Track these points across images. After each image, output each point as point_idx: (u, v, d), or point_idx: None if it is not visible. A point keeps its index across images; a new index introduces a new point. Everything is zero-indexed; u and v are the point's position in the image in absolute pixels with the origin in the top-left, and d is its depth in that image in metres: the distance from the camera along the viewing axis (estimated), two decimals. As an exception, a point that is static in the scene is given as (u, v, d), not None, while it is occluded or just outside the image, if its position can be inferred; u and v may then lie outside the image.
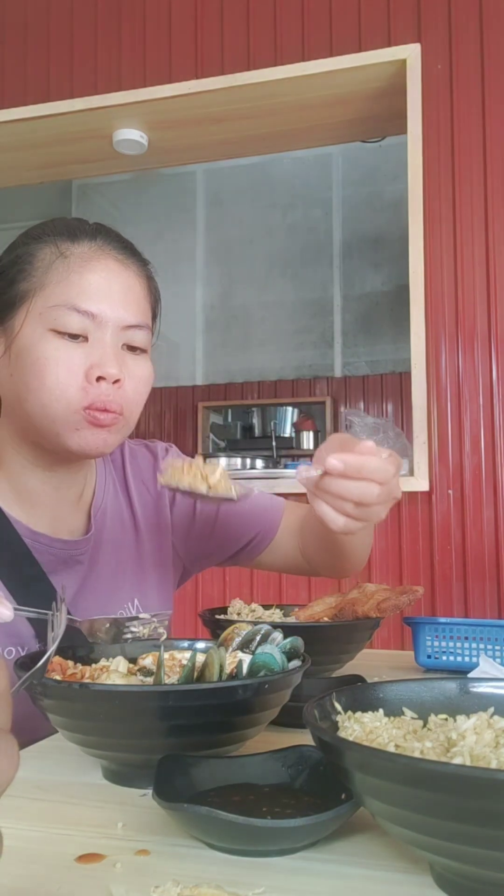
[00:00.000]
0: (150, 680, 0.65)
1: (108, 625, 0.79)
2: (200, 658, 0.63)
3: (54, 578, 0.88)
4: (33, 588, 0.86)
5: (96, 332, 0.83)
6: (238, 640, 0.70)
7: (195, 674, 0.61)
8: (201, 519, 1.05)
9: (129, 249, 0.90)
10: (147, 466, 1.05)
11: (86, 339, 0.83)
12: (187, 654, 0.68)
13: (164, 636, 0.82)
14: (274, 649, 0.64)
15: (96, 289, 0.83)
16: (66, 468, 0.91)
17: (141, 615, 0.82)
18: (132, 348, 0.86)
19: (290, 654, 0.66)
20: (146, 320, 0.88)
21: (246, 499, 0.80)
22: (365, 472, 0.72)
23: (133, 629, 0.81)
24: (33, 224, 0.91)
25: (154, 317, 0.93)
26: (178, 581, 1.10)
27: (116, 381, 0.82)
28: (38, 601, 0.82)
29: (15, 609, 0.55)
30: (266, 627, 0.71)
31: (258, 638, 0.70)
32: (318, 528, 0.96)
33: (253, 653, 0.66)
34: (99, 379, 0.81)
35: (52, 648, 0.62)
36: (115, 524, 0.99)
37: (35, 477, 0.90)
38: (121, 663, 0.68)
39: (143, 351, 0.88)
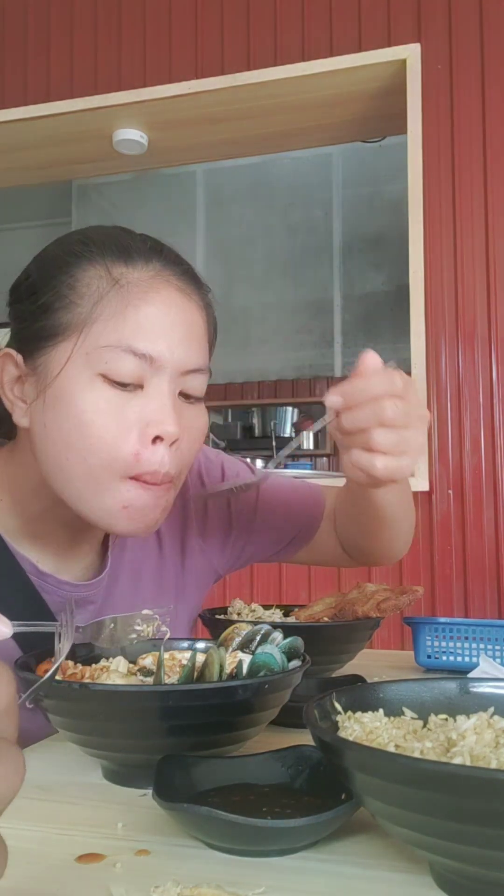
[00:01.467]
0: (150, 680, 0.65)
1: (112, 625, 0.77)
2: (200, 658, 0.63)
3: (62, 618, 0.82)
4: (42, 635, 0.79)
5: (153, 380, 0.69)
6: (238, 640, 0.70)
7: (195, 674, 0.61)
8: (238, 524, 0.98)
9: (189, 274, 0.75)
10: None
11: (140, 387, 0.69)
12: (187, 655, 0.67)
13: (168, 635, 0.78)
14: (274, 649, 0.64)
15: (155, 326, 0.69)
16: (88, 527, 0.80)
17: (144, 612, 0.74)
18: (188, 397, 0.73)
19: (290, 654, 0.66)
20: (206, 362, 0.74)
21: (266, 480, 0.76)
22: (368, 391, 0.65)
23: (137, 627, 0.78)
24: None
25: (212, 350, 0.79)
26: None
27: (175, 442, 0.69)
28: (42, 641, 0.72)
29: (14, 625, 0.54)
30: (266, 627, 0.71)
31: (258, 638, 0.70)
32: (354, 504, 0.86)
33: (253, 653, 0.66)
34: (156, 440, 0.68)
35: (59, 660, 0.61)
36: (136, 553, 0.90)
37: (56, 526, 0.79)
38: (121, 663, 0.68)
39: (199, 400, 0.74)
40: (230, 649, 0.68)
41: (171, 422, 0.68)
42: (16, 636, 0.74)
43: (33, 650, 0.64)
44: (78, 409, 0.68)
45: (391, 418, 0.64)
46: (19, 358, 0.72)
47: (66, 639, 0.60)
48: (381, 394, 0.65)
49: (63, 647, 0.61)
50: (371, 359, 0.67)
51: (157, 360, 0.68)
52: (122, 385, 0.68)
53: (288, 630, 0.98)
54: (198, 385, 0.73)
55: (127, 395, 0.68)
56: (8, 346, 0.74)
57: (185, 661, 0.66)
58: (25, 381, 0.72)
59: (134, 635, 0.74)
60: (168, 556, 0.95)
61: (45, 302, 0.70)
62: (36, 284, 0.72)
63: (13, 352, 0.73)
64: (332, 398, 0.66)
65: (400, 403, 0.65)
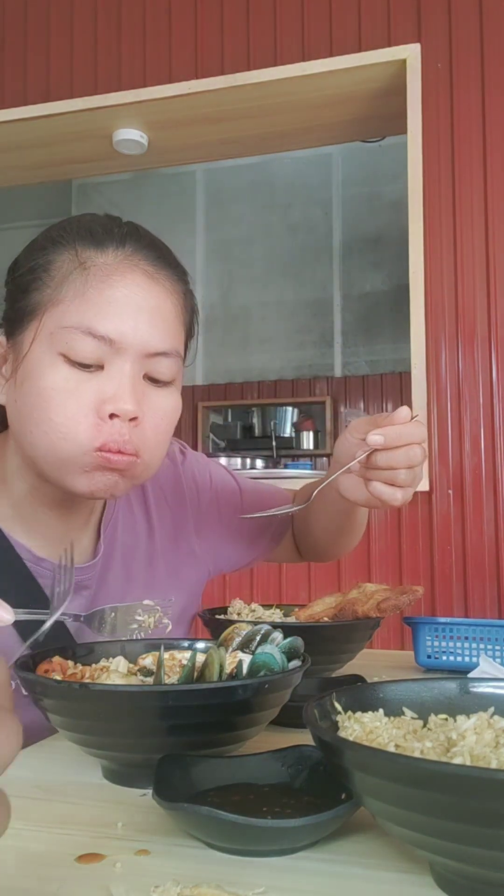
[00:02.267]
0: (150, 680, 0.65)
1: (113, 614, 0.76)
2: (200, 658, 0.63)
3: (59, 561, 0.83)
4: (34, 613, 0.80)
5: (114, 360, 0.71)
6: (238, 640, 0.70)
7: (195, 674, 0.61)
8: (229, 526, 1.03)
9: (163, 259, 0.77)
10: (165, 472, 0.97)
11: (101, 367, 0.72)
12: (188, 654, 0.67)
13: (169, 627, 0.81)
14: (274, 649, 0.64)
15: (117, 308, 0.71)
16: (70, 508, 0.83)
17: (145, 602, 0.77)
18: (155, 380, 0.75)
19: (290, 654, 0.66)
20: (175, 346, 0.76)
21: (301, 510, 0.86)
22: (405, 437, 0.76)
23: (138, 617, 0.78)
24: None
25: (189, 336, 0.82)
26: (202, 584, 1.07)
27: (133, 419, 0.71)
28: (39, 626, 0.75)
29: (16, 612, 0.55)
30: (266, 627, 0.71)
31: (258, 638, 0.70)
32: (339, 511, 0.94)
33: (253, 653, 0.66)
34: (113, 416, 0.70)
35: (61, 607, 0.61)
36: (128, 538, 0.92)
37: (42, 507, 0.81)
38: (121, 663, 0.68)
39: (168, 384, 0.76)
40: (230, 649, 0.68)
41: (128, 399, 0.70)
42: (16, 623, 0.75)
43: (32, 635, 0.65)
44: (40, 387, 0.71)
45: (417, 462, 0.76)
46: (2, 339, 0.77)
47: (66, 581, 0.61)
48: (413, 441, 0.76)
49: (63, 590, 0.61)
50: (405, 411, 0.79)
51: (116, 342, 0.71)
52: (83, 365, 0.71)
53: (288, 630, 0.98)
54: (165, 369, 0.75)
55: (87, 375, 0.71)
56: None
57: (185, 661, 0.66)
58: (7, 359, 0.76)
59: (135, 625, 0.76)
60: (159, 549, 0.96)
61: (22, 284, 0.74)
62: (19, 267, 0.76)
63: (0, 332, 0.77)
64: (376, 438, 0.75)
65: (422, 450, 0.77)
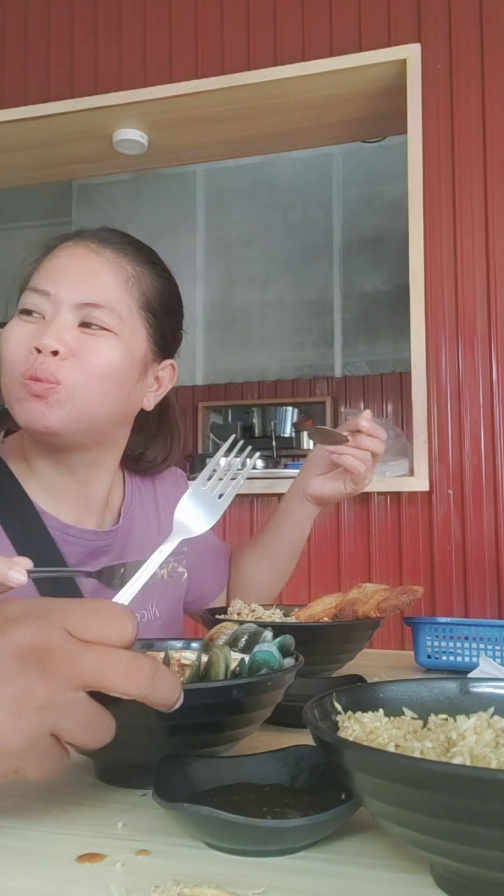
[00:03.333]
0: None
1: (122, 570, 0.78)
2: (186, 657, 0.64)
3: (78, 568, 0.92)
4: (56, 581, 0.88)
5: (52, 311, 0.86)
6: (224, 638, 0.70)
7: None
8: (203, 549, 1.14)
9: (112, 243, 0.91)
10: (173, 487, 1.12)
11: (43, 317, 0.86)
12: (185, 654, 0.67)
13: (185, 575, 0.95)
14: (272, 647, 0.64)
15: (55, 271, 0.87)
16: (60, 458, 0.91)
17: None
18: (89, 325, 0.86)
19: (283, 653, 0.66)
20: (108, 301, 0.87)
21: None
22: (377, 431, 1.02)
23: (168, 566, 0.93)
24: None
25: (150, 314, 0.92)
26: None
27: (56, 353, 0.83)
28: (59, 593, 0.84)
29: (30, 572, 0.62)
30: (254, 627, 0.71)
31: (246, 637, 0.70)
32: (285, 545, 1.15)
33: (242, 651, 0.66)
34: (39, 351, 0.83)
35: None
36: (142, 526, 1.03)
37: (51, 468, 0.92)
38: None
39: (106, 330, 0.86)
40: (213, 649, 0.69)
41: (49, 336, 0.83)
42: (36, 583, 0.80)
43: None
44: (2, 340, 0.87)
45: (381, 451, 1.04)
46: None
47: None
48: (381, 435, 1.03)
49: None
50: (369, 412, 1.04)
51: (52, 295, 0.86)
52: (28, 313, 0.86)
53: (288, 630, 0.98)
54: (98, 316, 0.86)
55: (29, 322, 0.86)
56: None
57: (184, 661, 0.66)
58: None
59: (164, 571, 0.90)
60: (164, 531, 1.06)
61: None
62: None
63: None
64: (365, 423, 1.02)
65: (384, 444, 1.05)
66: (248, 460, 0.86)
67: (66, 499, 0.93)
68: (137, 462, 1.07)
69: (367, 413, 1.02)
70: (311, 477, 1.09)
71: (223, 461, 0.81)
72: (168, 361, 0.98)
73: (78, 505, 0.94)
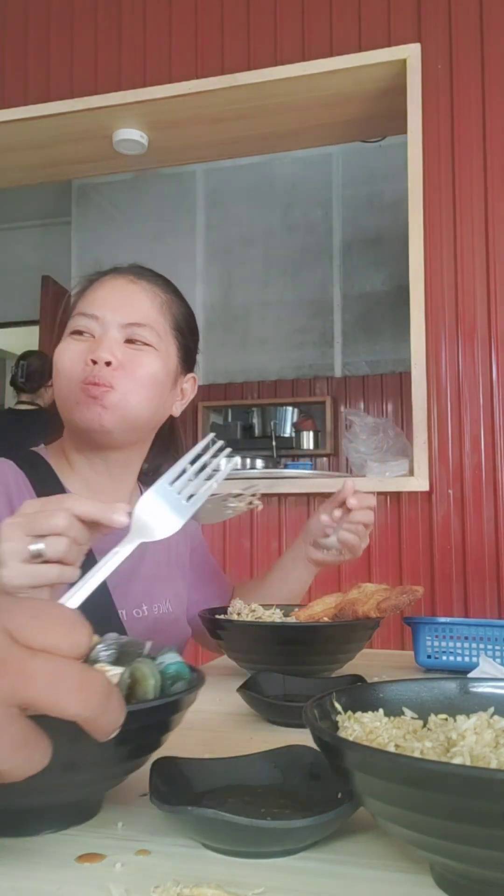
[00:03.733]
0: None
1: (209, 505, 0.92)
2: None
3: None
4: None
5: (100, 331, 1.00)
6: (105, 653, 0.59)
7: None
8: (198, 569, 1.26)
9: (146, 274, 1.07)
10: None
11: (92, 336, 1.00)
12: (106, 669, 0.55)
13: (260, 506, 1.01)
14: (176, 656, 0.57)
15: (101, 298, 1.02)
16: (103, 455, 1.05)
17: (234, 491, 1.00)
18: (133, 341, 1.01)
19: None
20: (149, 321, 1.03)
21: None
22: (366, 502, 1.10)
23: (230, 504, 0.98)
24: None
25: (180, 333, 1.08)
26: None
27: (109, 364, 0.97)
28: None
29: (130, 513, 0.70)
30: (124, 639, 0.59)
31: (113, 650, 0.58)
32: (286, 596, 1.20)
33: (114, 664, 0.55)
34: (94, 362, 0.97)
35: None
36: None
37: (89, 466, 1.05)
38: None
39: (148, 346, 1.02)
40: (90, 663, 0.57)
41: (103, 349, 0.98)
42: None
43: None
44: (54, 357, 1.02)
45: (371, 521, 1.12)
46: None
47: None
48: (370, 505, 1.11)
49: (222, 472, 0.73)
50: (352, 482, 1.10)
51: (100, 318, 1.01)
52: (80, 333, 1.01)
53: (288, 630, 0.98)
54: (140, 333, 1.01)
55: (81, 341, 1.01)
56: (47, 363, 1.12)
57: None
58: None
59: (230, 511, 0.96)
60: (173, 554, 1.20)
61: (64, 313, 1.08)
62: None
63: None
64: (353, 502, 1.09)
65: (373, 513, 1.12)
66: (224, 462, 0.79)
67: (100, 493, 1.05)
68: (153, 474, 1.18)
69: (350, 486, 1.08)
70: (310, 543, 1.17)
71: (191, 461, 0.76)
72: (190, 374, 1.14)
73: (114, 499, 1.03)
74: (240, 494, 0.95)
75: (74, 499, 0.71)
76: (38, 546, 0.69)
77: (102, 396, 0.96)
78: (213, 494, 0.82)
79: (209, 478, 0.73)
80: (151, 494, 0.70)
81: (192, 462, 0.73)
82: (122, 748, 0.49)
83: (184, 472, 0.72)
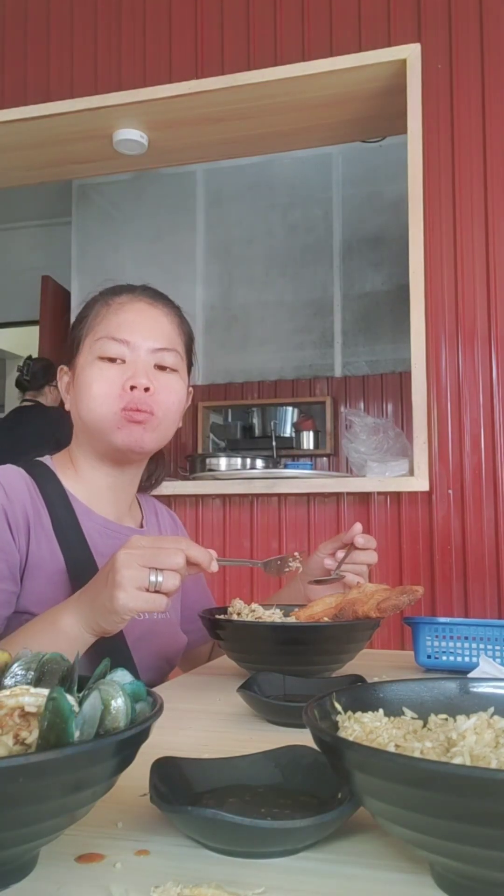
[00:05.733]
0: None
1: (279, 561, 1.07)
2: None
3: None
4: (83, 570, 1.01)
5: (131, 356, 1.06)
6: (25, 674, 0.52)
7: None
8: (189, 591, 1.28)
9: (160, 297, 1.13)
10: (168, 521, 1.30)
11: (123, 361, 1.06)
12: (21, 696, 0.45)
13: (301, 569, 1.09)
14: (125, 675, 0.51)
15: (129, 322, 1.07)
16: (121, 469, 1.12)
17: (294, 553, 1.09)
18: (162, 367, 1.08)
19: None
20: (174, 345, 1.10)
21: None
22: (371, 543, 1.12)
23: (291, 563, 1.07)
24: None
25: (188, 352, 1.15)
26: None
27: (147, 389, 1.04)
28: (83, 582, 0.93)
29: (219, 560, 0.87)
30: (41, 655, 0.53)
31: (33, 669, 0.51)
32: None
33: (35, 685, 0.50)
34: (132, 388, 1.03)
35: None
36: (158, 531, 1.23)
37: (102, 477, 1.11)
38: None
39: (174, 370, 1.09)
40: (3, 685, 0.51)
41: (142, 376, 1.04)
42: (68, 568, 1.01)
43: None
44: (84, 378, 1.06)
45: (374, 561, 1.13)
46: (66, 367, 1.13)
47: None
48: (373, 546, 1.13)
49: None
50: (359, 525, 1.13)
51: (131, 343, 1.06)
52: (111, 360, 1.06)
53: (288, 630, 0.98)
54: (168, 359, 1.08)
55: (114, 366, 1.05)
56: (63, 363, 1.15)
57: (29, 709, 0.45)
58: (71, 380, 1.11)
59: (288, 568, 1.07)
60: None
61: (75, 329, 1.13)
62: (74, 323, 1.14)
63: (65, 367, 1.14)
64: (362, 541, 1.11)
65: (376, 553, 1.13)
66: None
67: (108, 501, 1.12)
68: (147, 480, 1.26)
69: (358, 527, 1.12)
70: (310, 581, 1.17)
71: None
72: (189, 387, 1.19)
73: (118, 507, 1.14)
74: (296, 557, 1.08)
75: (187, 542, 0.84)
76: (159, 578, 0.81)
77: (146, 421, 1.04)
78: (275, 558, 1.08)
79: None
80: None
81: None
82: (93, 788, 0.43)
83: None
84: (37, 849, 0.45)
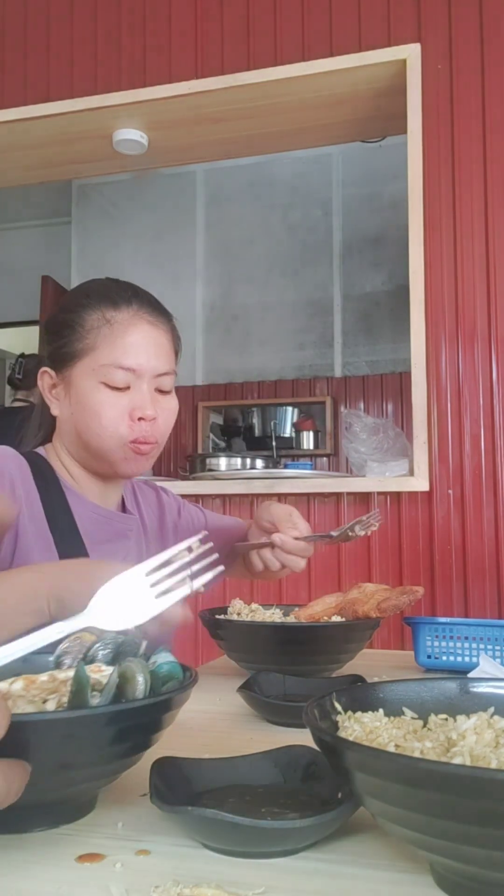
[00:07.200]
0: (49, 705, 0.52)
1: (335, 533, 1.06)
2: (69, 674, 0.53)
3: (103, 548, 1.08)
4: (71, 553, 1.02)
5: (136, 382, 1.06)
6: (104, 652, 0.60)
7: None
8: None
9: (158, 310, 1.12)
10: (151, 497, 1.29)
11: (129, 388, 1.06)
12: (102, 669, 0.56)
13: (376, 527, 1.08)
14: (169, 656, 0.59)
15: (135, 349, 1.06)
16: (110, 479, 1.13)
17: (359, 518, 1.08)
18: (162, 391, 1.10)
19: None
20: (173, 367, 1.12)
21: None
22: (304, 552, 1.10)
23: (358, 530, 1.07)
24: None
25: (177, 359, 1.16)
26: None
27: (153, 420, 1.06)
28: None
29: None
30: (121, 638, 0.60)
31: (110, 649, 0.60)
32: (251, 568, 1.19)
33: (109, 663, 0.58)
34: (140, 419, 1.04)
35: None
36: (141, 523, 1.24)
37: (89, 478, 1.12)
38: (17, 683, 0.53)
39: (171, 390, 1.12)
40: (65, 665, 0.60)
41: (149, 407, 1.06)
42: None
43: None
44: (91, 406, 1.05)
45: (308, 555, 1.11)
46: (52, 372, 1.10)
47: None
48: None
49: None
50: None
51: (137, 370, 1.06)
52: (117, 388, 1.05)
53: (288, 630, 0.98)
54: (168, 382, 1.10)
55: (120, 394, 1.05)
56: (43, 364, 1.12)
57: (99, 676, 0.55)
58: (58, 386, 1.10)
59: (353, 535, 1.06)
60: (151, 542, 1.23)
61: (65, 336, 1.08)
62: (60, 324, 1.10)
63: (48, 368, 1.11)
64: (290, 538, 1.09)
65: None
66: (207, 559, 0.65)
67: (94, 496, 1.13)
68: None
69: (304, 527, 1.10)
70: (260, 528, 1.15)
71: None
72: None
73: (101, 499, 1.15)
74: (361, 521, 1.07)
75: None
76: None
77: (150, 451, 1.07)
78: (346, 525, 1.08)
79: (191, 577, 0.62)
80: (121, 581, 0.60)
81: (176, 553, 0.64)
82: (113, 748, 0.49)
83: (166, 563, 0.62)
84: (94, 791, 0.54)
